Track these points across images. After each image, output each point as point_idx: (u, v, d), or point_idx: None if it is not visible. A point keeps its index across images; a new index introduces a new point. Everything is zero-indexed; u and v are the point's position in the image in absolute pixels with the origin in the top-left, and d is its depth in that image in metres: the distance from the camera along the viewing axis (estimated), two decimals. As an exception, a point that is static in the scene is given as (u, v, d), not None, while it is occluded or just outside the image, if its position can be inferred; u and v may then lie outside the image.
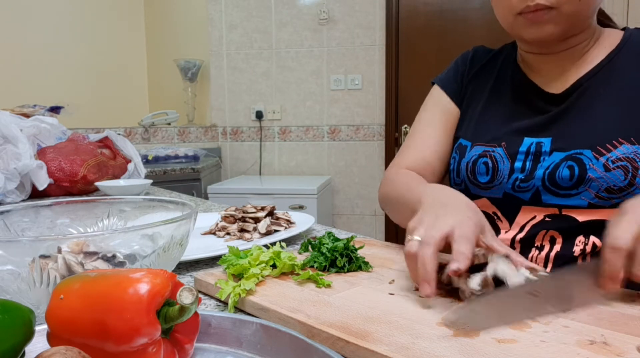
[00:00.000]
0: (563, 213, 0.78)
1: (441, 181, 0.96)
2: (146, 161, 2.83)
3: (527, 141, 0.82)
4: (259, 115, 3.33)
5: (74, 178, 1.51)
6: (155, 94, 3.80)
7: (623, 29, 0.86)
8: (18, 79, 3.17)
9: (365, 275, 0.67)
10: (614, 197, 0.75)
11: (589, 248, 0.77)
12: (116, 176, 1.66)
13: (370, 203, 3.26)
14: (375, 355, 0.44)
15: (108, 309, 0.38)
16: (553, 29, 0.78)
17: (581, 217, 0.77)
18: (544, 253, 0.79)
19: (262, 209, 1.00)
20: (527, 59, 0.89)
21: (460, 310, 0.51)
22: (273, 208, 1.01)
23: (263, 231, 0.92)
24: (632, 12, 2.78)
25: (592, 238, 0.77)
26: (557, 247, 0.79)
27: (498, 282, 0.53)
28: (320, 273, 0.65)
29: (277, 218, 0.99)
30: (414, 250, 0.58)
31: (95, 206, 0.71)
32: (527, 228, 0.81)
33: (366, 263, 0.70)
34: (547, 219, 0.80)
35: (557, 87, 0.84)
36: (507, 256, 0.58)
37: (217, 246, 0.88)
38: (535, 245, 0.80)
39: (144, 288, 0.39)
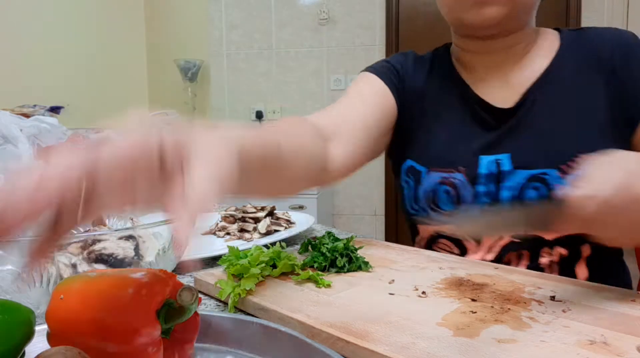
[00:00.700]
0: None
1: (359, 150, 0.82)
2: (146, 161, 2.83)
3: (484, 159, 0.78)
4: (259, 115, 3.33)
5: (74, 178, 1.51)
6: (155, 94, 3.80)
7: (556, 29, 0.84)
8: (18, 79, 3.18)
9: (365, 275, 0.67)
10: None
11: (556, 258, 0.75)
12: (116, 176, 1.65)
13: (370, 203, 3.27)
14: (375, 355, 0.44)
15: (108, 309, 0.38)
16: (498, 10, 0.74)
17: (549, 235, 0.75)
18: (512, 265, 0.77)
19: (262, 209, 1.00)
20: (464, 59, 0.85)
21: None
22: (273, 208, 1.01)
23: (263, 231, 0.92)
24: (632, 12, 2.78)
25: (557, 249, 0.75)
26: (524, 262, 0.77)
27: None
28: (320, 273, 0.65)
29: (277, 218, 0.99)
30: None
31: (95, 206, 0.71)
32: (495, 249, 0.79)
33: (366, 263, 0.70)
34: (515, 240, 0.77)
35: (505, 99, 0.79)
36: None
37: (217, 246, 0.88)
38: (504, 261, 0.78)
39: (144, 288, 0.39)
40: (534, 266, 0.77)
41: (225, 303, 0.60)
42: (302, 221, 1.00)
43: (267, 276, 0.65)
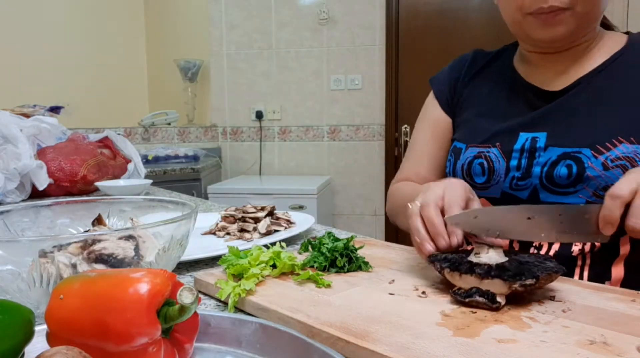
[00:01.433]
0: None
1: None
2: (146, 161, 2.83)
3: (522, 136, 0.82)
4: (259, 115, 3.33)
5: (74, 178, 1.51)
6: (155, 94, 3.80)
7: (626, 33, 0.86)
8: (18, 79, 3.17)
9: (365, 275, 0.67)
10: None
11: (587, 248, 0.76)
12: (116, 176, 1.66)
13: (370, 203, 3.27)
14: (375, 355, 0.44)
15: (108, 309, 0.38)
16: (564, 30, 0.77)
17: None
18: (542, 252, 0.79)
19: (262, 209, 1.00)
20: (529, 58, 0.88)
21: (464, 215, 0.63)
22: (273, 208, 1.01)
23: (263, 231, 0.92)
24: (632, 12, 2.78)
25: None
26: (555, 246, 0.78)
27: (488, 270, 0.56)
28: (320, 273, 0.65)
29: (277, 218, 0.99)
30: (416, 210, 0.66)
31: (95, 206, 0.71)
32: None
33: (366, 263, 0.70)
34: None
35: (557, 85, 0.83)
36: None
37: (217, 246, 0.88)
38: (534, 244, 0.80)
39: (144, 288, 0.39)
40: (566, 254, 0.77)
41: (225, 303, 0.60)
42: (302, 221, 1.00)
43: (267, 276, 0.65)
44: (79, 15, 3.50)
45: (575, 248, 0.77)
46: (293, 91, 3.32)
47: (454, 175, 0.90)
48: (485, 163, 0.85)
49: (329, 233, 0.76)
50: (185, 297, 0.39)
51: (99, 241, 0.55)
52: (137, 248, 0.56)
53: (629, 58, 0.81)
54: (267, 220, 0.96)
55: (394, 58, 3.13)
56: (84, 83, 3.46)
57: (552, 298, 0.56)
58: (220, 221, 0.99)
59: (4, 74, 3.13)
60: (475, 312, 0.52)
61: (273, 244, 0.72)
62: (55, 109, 1.98)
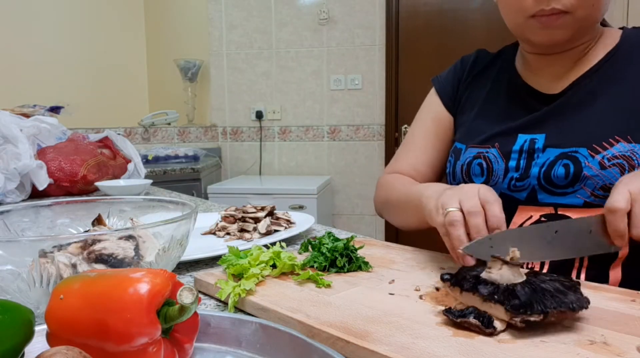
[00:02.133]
0: (559, 212, 0.78)
1: None
2: (146, 161, 2.83)
3: (521, 138, 0.82)
4: (259, 115, 3.33)
5: (74, 178, 1.51)
6: (155, 94, 3.80)
7: (621, 29, 0.86)
8: (18, 79, 3.17)
9: (365, 275, 0.67)
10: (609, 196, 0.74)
11: None
12: (116, 176, 1.66)
13: (370, 203, 3.26)
14: (375, 355, 0.44)
15: (108, 309, 0.38)
16: (564, 33, 0.78)
17: (577, 216, 0.75)
18: None
19: (262, 209, 1.00)
20: (529, 60, 0.89)
21: (478, 244, 0.60)
22: (273, 208, 1.01)
23: (263, 231, 0.92)
24: (632, 12, 2.78)
25: None
26: None
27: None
28: (320, 273, 0.65)
29: (277, 218, 0.99)
30: (459, 218, 0.63)
31: (95, 206, 0.71)
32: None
33: (366, 263, 0.70)
34: (543, 219, 0.79)
35: (556, 87, 0.84)
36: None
37: (217, 246, 0.88)
38: None
39: (144, 288, 0.39)
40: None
41: (225, 303, 0.60)
42: (302, 221, 1.00)
43: (267, 276, 0.65)
44: (79, 16, 3.50)
45: None
46: (293, 91, 3.32)
47: (454, 175, 0.91)
48: (484, 163, 0.85)
49: (329, 233, 0.76)
50: (185, 297, 0.39)
51: (99, 241, 0.55)
52: (137, 248, 0.56)
53: (623, 54, 0.81)
54: (267, 220, 0.96)
55: (394, 58, 3.13)
56: (84, 83, 3.46)
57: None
58: (220, 221, 0.99)
59: (4, 74, 3.13)
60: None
61: (273, 244, 0.72)
62: (55, 109, 1.98)
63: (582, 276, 0.76)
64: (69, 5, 3.46)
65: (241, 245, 0.85)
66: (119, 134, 1.84)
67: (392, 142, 3.18)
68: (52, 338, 0.40)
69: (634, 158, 0.73)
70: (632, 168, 0.72)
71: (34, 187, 1.43)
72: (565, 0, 0.74)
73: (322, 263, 0.69)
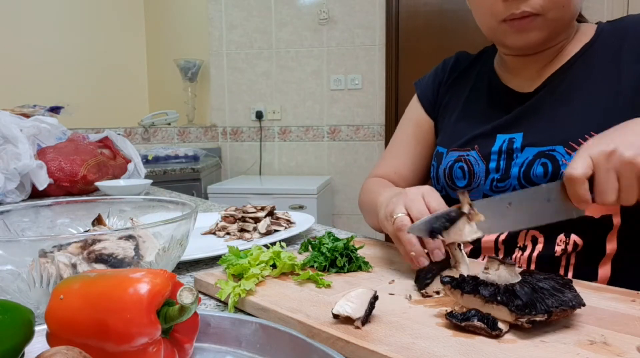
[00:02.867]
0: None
1: None
2: (146, 161, 2.83)
3: (500, 138, 0.83)
4: (259, 115, 3.33)
5: (74, 178, 1.51)
6: (155, 94, 3.80)
7: (597, 24, 0.86)
8: (18, 79, 3.17)
9: (365, 275, 0.67)
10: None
11: (570, 248, 0.76)
12: (116, 176, 1.66)
13: (370, 203, 3.26)
14: (375, 355, 0.44)
15: (108, 309, 0.38)
16: (537, 35, 0.78)
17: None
18: (526, 253, 0.78)
19: (262, 209, 1.00)
20: (506, 61, 0.89)
21: (425, 223, 0.61)
22: (273, 208, 1.01)
23: (263, 231, 0.92)
24: (632, 7, 2.78)
25: (573, 237, 0.75)
26: (539, 247, 0.78)
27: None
28: (320, 273, 0.65)
29: (277, 218, 0.99)
30: (406, 222, 0.64)
31: (95, 206, 0.71)
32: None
33: (366, 263, 0.70)
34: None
35: (531, 85, 0.84)
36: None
37: (217, 246, 0.88)
38: (518, 245, 0.80)
39: (144, 288, 0.39)
40: (549, 255, 0.76)
41: (225, 303, 0.60)
42: (302, 221, 1.00)
43: (267, 276, 0.65)
44: (79, 16, 3.50)
45: (558, 249, 0.76)
46: (293, 91, 3.32)
47: (437, 180, 0.92)
48: (465, 166, 0.86)
49: (329, 233, 0.76)
50: (185, 297, 0.39)
51: (99, 241, 0.55)
52: (137, 248, 0.56)
53: (598, 48, 0.81)
54: (267, 220, 0.96)
55: (394, 58, 3.13)
56: (84, 83, 3.46)
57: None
58: (220, 221, 0.99)
59: (4, 74, 3.13)
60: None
61: (273, 244, 0.72)
62: (55, 109, 1.98)
63: (570, 274, 0.76)
64: (69, 5, 3.46)
65: (241, 245, 0.85)
66: (119, 134, 1.84)
67: (392, 142, 3.17)
68: (52, 338, 0.40)
69: None
70: None
71: (34, 187, 1.43)
72: (535, 2, 0.74)
73: (322, 263, 0.69)
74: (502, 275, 0.51)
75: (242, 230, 0.95)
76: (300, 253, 0.78)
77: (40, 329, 0.42)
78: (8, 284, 0.51)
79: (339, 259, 0.69)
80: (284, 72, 3.31)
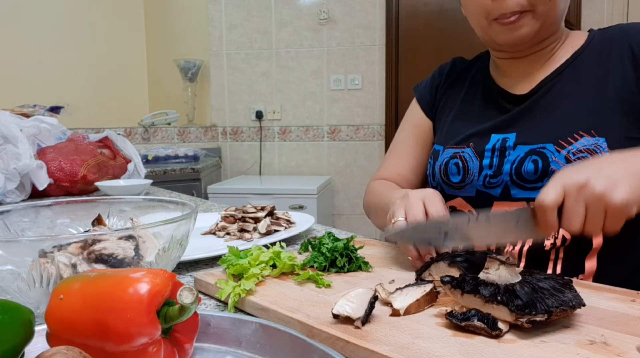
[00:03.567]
0: (531, 206, 0.80)
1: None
2: (146, 161, 2.83)
3: (494, 137, 0.86)
4: (259, 115, 3.33)
5: (74, 178, 1.51)
6: (155, 94, 3.80)
7: (589, 31, 0.90)
8: (18, 79, 3.17)
9: (365, 275, 0.67)
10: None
11: (559, 242, 0.79)
12: (116, 176, 1.66)
13: (370, 203, 3.26)
14: (375, 355, 0.44)
15: (108, 309, 0.38)
16: (528, 31, 0.81)
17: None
18: (517, 248, 0.82)
19: (262, 209, 1.00)
20: (499, 64, 0.93)
21: (405, 230, 0.66)
22: (273, 208, 1.01)
23: (263, 231, 0.92)
24: (632, 12, 2.78)
25: (562, 231, 0.78)
26: (529, 242, 0.81)
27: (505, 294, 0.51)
28: (320, 273, 0.65)
29: (277, 218, 0.99)
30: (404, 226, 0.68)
31: (95, 206, 0.71)
32: None
33: (366, 263, 0.70)
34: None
35: (524, 88, 0.87)
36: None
37: (217, 246, 0.88)
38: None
39: (144, 288, 0.39)
40: (539, 248, 0.80)
41: (225, 303, 0.60)
42: (302, 221, 1.00)
43: (267, 276, 0.65)
44: (79, 16, 3.50)
45: (548, 243, 0.79)
46: (293, 91, 3.32)
47: (433, 176, 0.95)
48: (460, 162, 0.89)
49: (329, 233, 0.76)
50: (185, 297, 0.39)
51: (99, 241, 0.55)
52: (137, 248, 0.56)
53: (588, 54, 0.85)
54: (267, 220, 0.96)
55: (394, 58, 3.13)
56: (84, 83, 3.46)
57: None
58: (220, 221, 0.99)
59: (4, 74, 3.13)
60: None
61: (273, 244, 0.72)
62: (55, 109, 1.98)
63: (559, 267, 0.79)
64: (69, 5, 3.46)
65: (241, 245, 0.85)
66: (119, 134, 1.84)
67: (392, 142, 3.18)
68: (52, 338, 0.40)
69: (598, 151, 0.76)
70: None
71: (34, 187, 1.43)
72: (521, 0, 0.77)
73: (322, 263, 0.69)
74: (502, 275, 0.52)
75: (242, 230, 0.95)
76: (300, 253, 0.78)
77: (40, 329, 0.42)
78: (8, 284, 0.51)
79: (339, 259, 0.69)
80: (284, 72, 3.31)
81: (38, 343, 0.41)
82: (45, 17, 3.34)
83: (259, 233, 0.93)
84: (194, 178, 2.80)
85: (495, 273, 0.52)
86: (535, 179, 0.80)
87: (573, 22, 2.80)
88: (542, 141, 0.80)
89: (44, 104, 2.00)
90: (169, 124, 3.31)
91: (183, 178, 2.75)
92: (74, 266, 0.53)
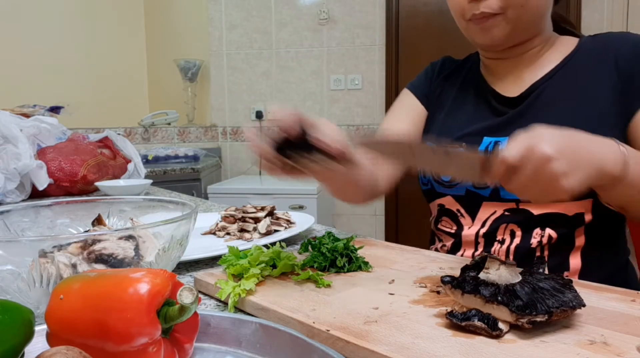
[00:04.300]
0: (520, 207, 0.83)
1: None
2: (146, 161, 2.83)
3: (486, 140, 0.87)
4: (259, 115, 3.33)
5: (74, 178, 1.51)
6: (155, 94, 3.80)
7: (579, 37, 0.91)
8: (18, 79, 3.17)
9: (365, 275, 0.67)
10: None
11: (545, 240, 0.81)
12: (116, 176, 1.66)
13: (371, 203, 3.26)
14: (375, 355, 0.44)
15: (108, 309, 0.38)
16: (499, 33, 0.82)
17: (536, 210, 0.82)
18: (505, 246, 0.84)
19: (262, 209, 1.00)
20: (487, 64, 0.94)
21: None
22: (273, 208, 1.01)
23: (263, 231, 0.92)
24: (632, 12, 2.78)
25: (548, 230, 0.81)
26: (516, 240, 0.83)
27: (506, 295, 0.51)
28: (320, 273, 0.65)
29: (277, 218, 0.99)
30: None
31: (95, 206, 0.71)
32: (488, 223, 0.86)
33: (366, 263, 0.70)
34: (506, 213, 0.84)
35: (514, 90, 0.88)
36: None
37: (217, 246, 0.88)
38: (497, 238, 0.85)
39: (144, 288, 0.39)
40: (526, 246, 0.82)
41: (225, 303, 0.60)
42: (302, 221, 1.00)
43: (267, 276, 0.65)
44: (79, 16, 3.50)
45: (534, 241, 0.82)
46: (293, 91, 3.32)
47: (424, 173, 0.95)
48: None
49: (329, 233, 0.76)
50: (185, 297, 0.39)
51: (99, 241, 0.55)
52: (137, 248, 0.56)
53: (578, 60, 0.85)
54: (267, 220, 0.96)
55: (394, 58, 3.13)
56: (84, 83, 3.46)
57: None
58: (220, 221, 0.99)
59: (4, 74, 3.13)
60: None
61: (273, 244, 0.72)
62: (55, 109, 1.98)
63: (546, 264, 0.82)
64: (69, 5, 3.46)
65: (241, 245, 0.85)
66: (119, 134, 1.84)
67: (392, 142, 3.17)
68: (52, 338, 0.40)
69: None
70: None
71: (34, 187, 1.43)
72: (492, 3, 0.79)
73: (322, 263, 0.69)
74: (503, 275, 0.51)
75: (242, 230, 0.95)
76: (300, 253, 0.78)
77: (40, 329, 0.42)
78: (8, 284, 0.51)
79: (339, 259, 0.69)
80: (284, 72, 3.31)
81: (38, 343, 0.41)
82: (46, 17, 3.34)
83: (259, 233, 0.93)
84: (194, 178, 2.80)
85: (496, 273, 0.52)
86: None
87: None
88: None
89: (44, 104, 1.99)
90: (169, 124, 3.31)
91: (183, 178, 2.75)
92: (74, 266, 0.53)
